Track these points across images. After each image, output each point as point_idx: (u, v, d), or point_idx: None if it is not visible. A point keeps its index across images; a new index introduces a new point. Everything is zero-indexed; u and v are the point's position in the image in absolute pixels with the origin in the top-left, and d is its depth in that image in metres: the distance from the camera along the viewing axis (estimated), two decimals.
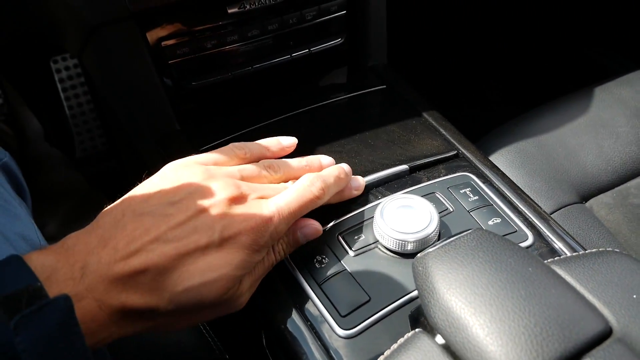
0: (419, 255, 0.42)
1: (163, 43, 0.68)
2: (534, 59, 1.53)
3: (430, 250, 0.41)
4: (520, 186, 0.60)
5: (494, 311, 0.36)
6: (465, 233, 0.42)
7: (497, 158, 0.78)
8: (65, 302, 0.30)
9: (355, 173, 0.56)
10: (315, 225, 0.47)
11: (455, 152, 0.62)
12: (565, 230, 0.53)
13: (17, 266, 0.31)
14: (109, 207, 0.40)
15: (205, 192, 0.40)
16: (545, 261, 0.43)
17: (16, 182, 0.58)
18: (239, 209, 0.40)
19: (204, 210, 0.39)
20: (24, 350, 0.28)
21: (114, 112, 0.82)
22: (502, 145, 0.80)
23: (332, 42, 0.79)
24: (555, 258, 0.43)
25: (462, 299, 0.37)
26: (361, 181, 0.53)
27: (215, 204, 0.39)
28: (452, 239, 0.42)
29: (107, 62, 0.73)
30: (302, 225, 0.46)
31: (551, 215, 0.62)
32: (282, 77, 0.78)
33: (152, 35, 0.67)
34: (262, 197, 0.43)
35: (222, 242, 0.39)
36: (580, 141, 0.81)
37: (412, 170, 0.59)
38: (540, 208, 0.56)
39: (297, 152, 0.56)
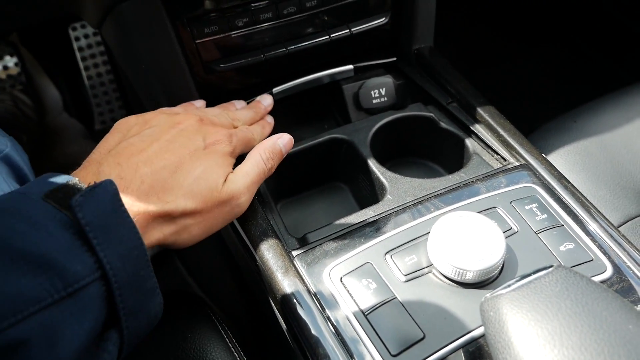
0: (489, 296, 0.36)
1: (189, 20, 0.61)
2: (591, 43, 1.41)
3: (504, 292, 0.35)
4: (584, 195, 0.53)
5: None
6: (545, 272, 0.36)
7: (555, 159, 0.70)
8: (111, 185, 0.35)
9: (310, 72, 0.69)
10: (288, 136, 0.56)
11: (394, 59, 0.71)
12: None
13: (47, 177, 0.36)
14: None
15: (177, 117, 0.51)
16: (638, 307, 0.36)
17: (19, 174, 0.53)
18: (209, 126, 0.51)
19: (184, 128, 0.49)
20: (86, 224, 0.32)
21: (134, 90, 0.76)
22: (559, 144, 0.72)
23: (375, 21, 0.70)
24: None
25: None
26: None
27: (191, 123, 0.50)
28: (529, 279, 0.35)
29: (128, 38, 0.66)
30: (279, 136, 0.55)
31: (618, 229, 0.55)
32: (319, 61, 0.71)
33: (178, 12, 0.60)
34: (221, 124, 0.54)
35: (206, 148, 0.48)
36: None
37: (357, 70, 0.69)
38: (618, 230, 0.49)
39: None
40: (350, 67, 0.70)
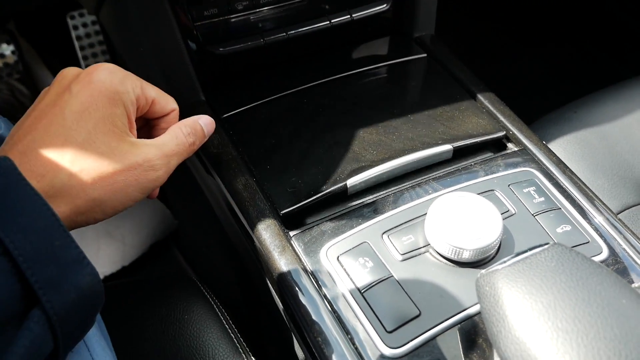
0: (484, 272, 0.36)
1: (188, 2, 0.61)
2: (592, 40, 1.40)
3: (499, 267, 0.35)
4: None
5: (583, 354, 0.30)
6: (541, 249, 0.36)
7: (554, 147, 0.70)
8: (4, 160, 0.32)
9: (393, 151, 0.52)
10: (209, 117, 0.49)
11: (503, 132, 0.56)
12: None
13: None
14: None
15: None
16: (634, 285, 0.37)
17: None
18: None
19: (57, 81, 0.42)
20: None
21: None
22: (559, 133, 0.72)
23: (376, 7, 0.70)
24: None
25: (542, 333, 0.31)
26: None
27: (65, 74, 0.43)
28: (525, 255, 0.36)
29: (126, 21, 0.66)
30: (199, 116, 0.49)
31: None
32: (319, 46, 0.70)
33: None
34: None
35: (77, 86, 0.40)
36: None
37: (456, 152, 0.53)
38: (615, 215, 0.49)
39: (330, 125, 0.56)
40: (450, 147, 0.53)
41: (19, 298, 0.31)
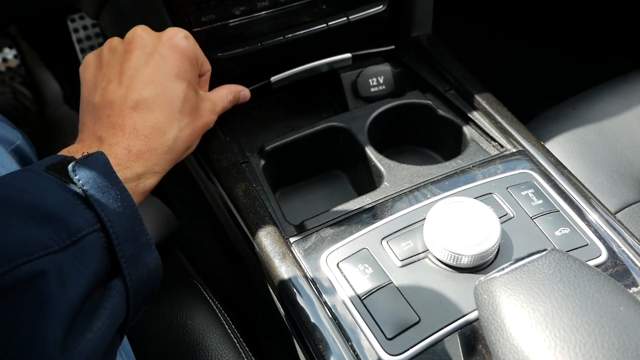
0: (482, 279, 0.36)
1: (186, 8, 0.61)
2: (595, 33, 1.39)
3: (497, 275, 0.35)
4: (581, 182, 0.53)
5: None
6: (538, 256, 0.36)
7: (553, 146, 0.70)
8: (102, 155, 0.40)
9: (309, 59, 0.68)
10: (249, 93, 0.62)
11: (392, 46, 0.71)
12: None
13: (47, 158, 0.40)
14: None
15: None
16: (632, 290, 0.37)
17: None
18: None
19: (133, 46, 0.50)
20: (83, 184, 0.36)
21: None
22: (558, 131, 0.72)
23: (372, 9, 0.70)
24: None
25: (541, 343, 0.31)
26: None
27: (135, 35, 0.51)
28: (522, 262, 0.36)
29: (125, 27, 0.66)
30: (244, 88, 0.61)
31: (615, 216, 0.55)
32: (317, 49, 0.70)
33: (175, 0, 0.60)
34: None
35: (167, 51, 0.49)
36: None
37: (355, 58, 0.69)
38: (614, 216, 0.49)
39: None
40: (349, 55, 0.70)
41: (105, 270, 0.36)
